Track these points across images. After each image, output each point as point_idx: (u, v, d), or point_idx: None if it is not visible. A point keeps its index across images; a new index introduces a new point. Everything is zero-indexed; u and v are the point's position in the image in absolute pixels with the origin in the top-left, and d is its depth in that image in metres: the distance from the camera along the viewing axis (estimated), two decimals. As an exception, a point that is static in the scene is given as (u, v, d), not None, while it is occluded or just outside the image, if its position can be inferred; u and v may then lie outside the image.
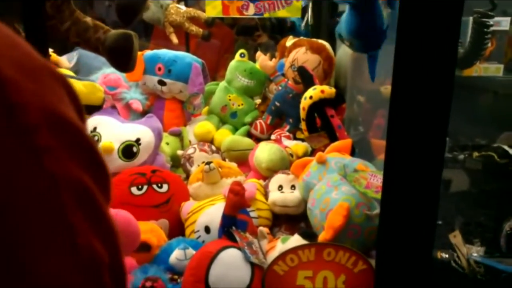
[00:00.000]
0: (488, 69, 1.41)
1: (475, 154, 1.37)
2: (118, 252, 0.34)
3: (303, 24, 2.03)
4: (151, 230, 1.09)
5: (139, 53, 1.51)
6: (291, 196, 1.21)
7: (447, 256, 1.11)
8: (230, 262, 0.92)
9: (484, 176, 1.35)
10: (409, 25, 0.65)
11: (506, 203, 1.29)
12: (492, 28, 1.25)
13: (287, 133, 1.61)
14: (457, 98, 0.70)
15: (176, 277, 0.98)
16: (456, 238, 1.10)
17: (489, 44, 1.29)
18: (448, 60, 0.66)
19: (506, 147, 1.32)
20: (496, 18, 1.29)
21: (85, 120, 0.35)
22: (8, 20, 1.00)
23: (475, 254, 1.12)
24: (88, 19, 1.13)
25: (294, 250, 0.90)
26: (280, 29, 2.21)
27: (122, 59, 1.14)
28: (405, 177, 0.70)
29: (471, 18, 1.25)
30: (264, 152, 1.36)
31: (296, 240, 0.98)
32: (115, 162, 1.28)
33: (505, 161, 1.29)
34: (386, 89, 1.42)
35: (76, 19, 1.10)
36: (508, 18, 1.37)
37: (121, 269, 0.34)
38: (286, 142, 1.51)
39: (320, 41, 1.69)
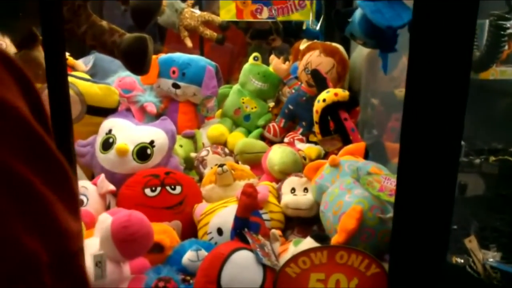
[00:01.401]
0: (505, 72, 1.39)
1: (492, 158, 1.35)
2: (69, 254, 0.31)
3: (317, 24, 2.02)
4: (164, 231, 1.10)
5: (154, 56, 1.53)
6: (303, 199, 1.21)
7: (462, 261, 1.10)
8: (242, 263, 0.92)
9: (501, 180, 1.34)
10: (424, 28, 0.65)
11: (523, 208, 1.27)
12: (508, 31, 1.23)
13: (300, 136, 1.60)
14: (473, 102, 0.69)
15: (188, 278, 0.99)
16: (471, 243, 1.08)
17: (506, 47, 1.27)
18: (463, 63, 0.65)
19: (523, 152, 1.30)
20: (513, 21, 1.27)
21: (42, 114, 0.32)
22: (27, 23, 1.03)
23: (491, 259, 1.10)
24: (104, 23, 1.15)
25: (306, 252, 0.90)
26: (295, 32, 2.21)
27: (136, 62, 1.15)
28: (419, 181, 0.70)
29: (487, 21, 1.24)
30: (277, 155, 1.36)
31: (308, 243, 0.98)
32: (129, 164, 1.29)
33: (522, 166, 1.28)
34: (401, 92, 1.41)
35: (92, 22, 1.12)
36: (526, 21, 1.35)
37: (75, 272, 0.31)
38: (299, 145, 1.51)
39: (334, 44, 1.68)
